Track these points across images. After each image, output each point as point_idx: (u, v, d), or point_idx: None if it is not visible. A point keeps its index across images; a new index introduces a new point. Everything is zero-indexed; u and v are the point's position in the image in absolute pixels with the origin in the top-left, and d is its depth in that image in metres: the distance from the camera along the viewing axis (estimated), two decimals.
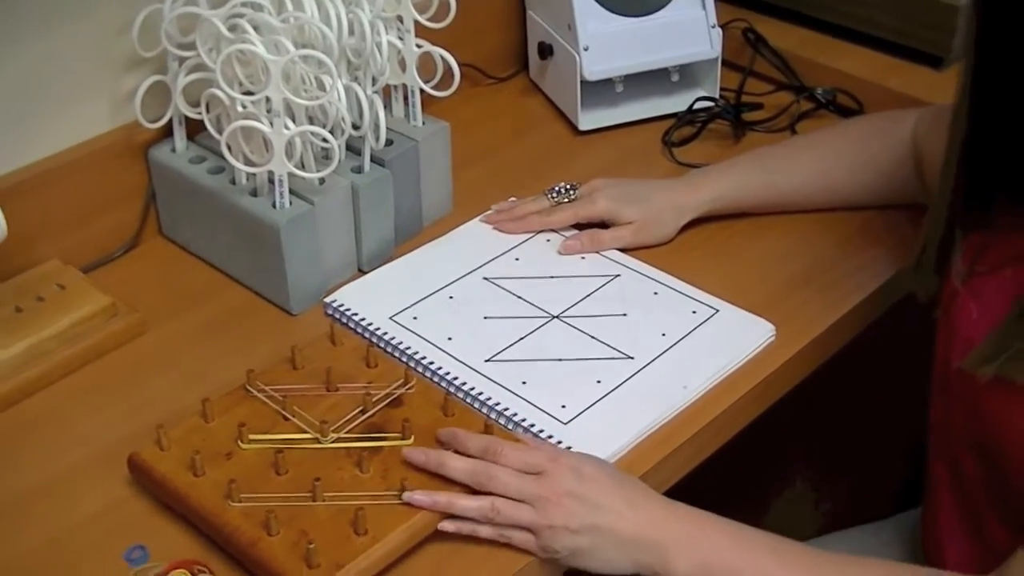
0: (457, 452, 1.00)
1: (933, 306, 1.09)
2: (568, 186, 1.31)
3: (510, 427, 1.07)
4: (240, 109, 1.15)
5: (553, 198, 1.31)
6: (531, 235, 1.30)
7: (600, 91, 1.51)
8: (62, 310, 1.17)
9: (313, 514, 0.95)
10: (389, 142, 1.28)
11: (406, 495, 0.95)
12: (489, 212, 1.33)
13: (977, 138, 0.98)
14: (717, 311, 1.19)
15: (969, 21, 0.96)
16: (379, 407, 1.04)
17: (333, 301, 1.21)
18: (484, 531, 0.97)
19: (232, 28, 1.15)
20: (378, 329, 1.17)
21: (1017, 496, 0.99)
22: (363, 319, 1.19)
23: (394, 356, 1.14)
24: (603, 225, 1.29)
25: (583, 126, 1.51)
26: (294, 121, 1.16)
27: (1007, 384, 0.94)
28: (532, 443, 1.02)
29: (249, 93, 1.15)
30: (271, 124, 1.14)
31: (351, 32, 1.20)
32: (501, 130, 1.53)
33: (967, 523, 1.05)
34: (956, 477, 1.09)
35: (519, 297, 1.22)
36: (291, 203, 1.18)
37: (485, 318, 1.20)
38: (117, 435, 1.06)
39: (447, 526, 0.97)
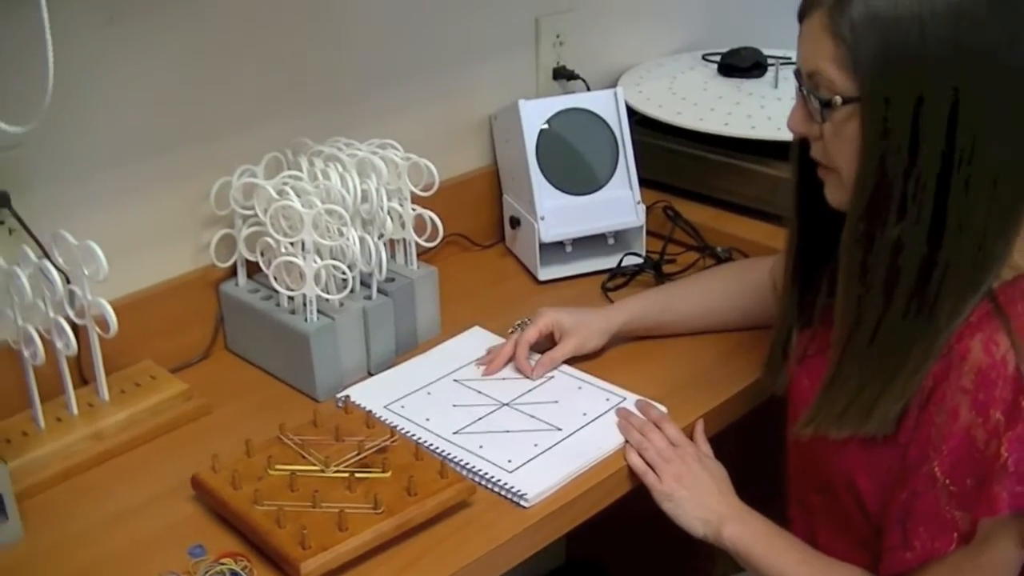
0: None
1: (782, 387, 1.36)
2: (526, 320, 1.55)
3: (470, 476, 1.29)
4: (283, 250, 1.42)
5: (514, 330, 1.56)
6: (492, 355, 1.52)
7: (555, 251, 1.74)
8: (152, 393, 1.41)
9: (312, 516, 1.18)
10: (392, 279, 1.53)
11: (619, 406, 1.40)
12: (481, 356, 1.53)
13: (800, 261, 1.29)
14: (624, 398, 1.43)
15: (791, 192, 1.28)
16: (369, 451, 1.27)
17: (344, 396, 1.43)
18: (636, 460, 1.33)
19: (280, 193, 1.42)
20: (374, 414, 1.38)
21: (847, 513, 1.25)
22: (364, 407, 1.40)
23: None
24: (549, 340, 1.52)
25: (542, 277, 1.73)
26: (321, 257, 1.42)
27: (826, 438, 1.20)
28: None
29: (289, 238, 1.42)
30: (304, 259, 1.41)
31: (364, 199, 1.47)
32: (481, 279, 1.76)
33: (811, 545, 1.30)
34: (806, 513, 1.34)
35: (480, 392, 1.46)
36: (318, 318, 1.44)
37: (454, 406, 1.42)
38: (186, 475, 1.26)
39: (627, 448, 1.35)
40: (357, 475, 1.25)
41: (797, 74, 1.16)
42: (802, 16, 1.13)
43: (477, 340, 1.59)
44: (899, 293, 1.10)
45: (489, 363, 1.51)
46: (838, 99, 1.10)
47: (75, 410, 1.37)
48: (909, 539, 1.12)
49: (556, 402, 1.44)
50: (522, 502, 1.27)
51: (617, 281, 1.73)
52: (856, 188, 1.11)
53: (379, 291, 1.52)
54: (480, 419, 1.41)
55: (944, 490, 1.10)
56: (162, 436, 1.40)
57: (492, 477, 1.30)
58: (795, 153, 1.25)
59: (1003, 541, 1.09)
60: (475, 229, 1.85)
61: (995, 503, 1.06)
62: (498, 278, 1.79)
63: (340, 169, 1.47)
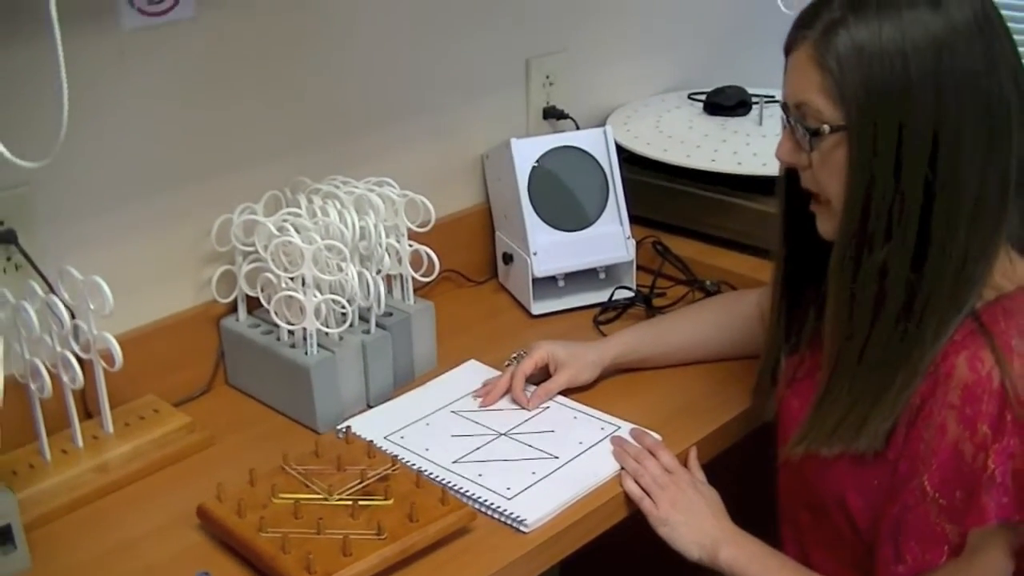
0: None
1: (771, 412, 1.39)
2: (521, 352, 1.57)
3: (469, 503, 1.31)
4: (283, 285, 1.44)
5: (510, 362, 1.57)
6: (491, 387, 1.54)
7: (547, 286, 1.77)
8: (156, 425, 1.43)
9: (316, 542, 1.20)
10: (389, 313, 1.55)
11: (614, 435, 1.43)
12: (478, 388, 1.55)
13: (787, 288, 1.32)
14: (619, 427, 1.46)
15: (777, 223, 1.32)
16: (371, 480, 1.29)
17: (344, 427, 1.45)
18: (632, 486, 1.35)
19: (280, 229, 1.44)
20: (375, 444, 1.40)
21: (838, 531, 1.28)
22: (364, 437, 1.42)
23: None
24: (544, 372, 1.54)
25: (535, 311, 1.76)
26: (321, 292, 1.44)
27: (817, 456, 1.24)
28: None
29: (289, 274, 1.44)
30: (304, 294, 1.43)
31: (362, 236, 1.50)
32: (476, 314, 1.78)
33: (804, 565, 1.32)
34: (797, 533, 1.37)
35: (477, 423, 1.48)
36: (318, 352, 1.46)
37: (452, 436, 1.45)
38: (191, 505, 1.28)
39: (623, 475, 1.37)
40: (360, 503, 1.27)
41: (784, 106, 1.20)
42: (788, 49, 1.17)
43: (473, 373, 1.61)
44: (886, 314, 1.14)
45: (486, 395, 1.53)
46: (825, 128, 1.14)
47: (80, 443, 1.39)
48: (901, 553, 1.15)
49: (552, 431, 1.46)
50: (521, 528, 1.29)
51: (609, 315, 1.75)
52: (844, 213, 1.15)
53: (377, 325, 1.54)
54: (478, 448, 1.43)
55: (934, 504, 1.12)
56: (166, 468, 1.41)
57: (492, 504, 1.32)
58: (781, 185, 1.29)
59: (992, 551, 1.12)
60: (469, 265, 1.88)
61: (983, 513, 1.09)
62: (492, 313, 1.82)
63: (339, 206, 1.50)
